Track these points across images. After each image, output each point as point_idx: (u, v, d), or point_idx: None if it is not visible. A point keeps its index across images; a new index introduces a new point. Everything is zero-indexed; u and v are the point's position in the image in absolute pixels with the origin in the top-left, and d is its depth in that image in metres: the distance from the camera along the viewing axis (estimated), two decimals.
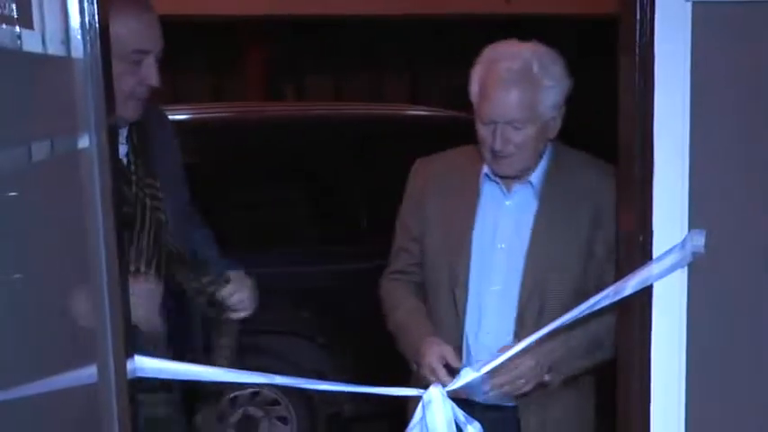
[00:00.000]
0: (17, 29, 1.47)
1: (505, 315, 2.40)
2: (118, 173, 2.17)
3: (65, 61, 1.61)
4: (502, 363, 2.23)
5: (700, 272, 1.89)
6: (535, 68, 2.31)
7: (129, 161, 2.30)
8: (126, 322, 1.74)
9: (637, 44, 1.84)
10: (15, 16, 1.39)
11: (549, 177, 2.43)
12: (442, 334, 2.44)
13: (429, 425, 2.16)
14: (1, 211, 1.37)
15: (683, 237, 1.87)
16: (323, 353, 3.95)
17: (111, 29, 2.07)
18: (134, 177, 2.30)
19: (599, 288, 2.25)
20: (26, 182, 1.47)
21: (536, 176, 2.43)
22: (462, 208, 2.45)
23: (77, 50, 1.61)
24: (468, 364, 2.38)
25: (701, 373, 1.93)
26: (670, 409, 1.93)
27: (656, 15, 1.80)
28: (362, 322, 2.90)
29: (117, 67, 2.11)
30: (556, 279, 2.38)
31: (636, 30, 1.84)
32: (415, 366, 2.43)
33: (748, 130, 1.87)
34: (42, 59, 1.57)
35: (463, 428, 2.28)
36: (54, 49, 1.59)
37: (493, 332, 2.42)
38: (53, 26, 1.58)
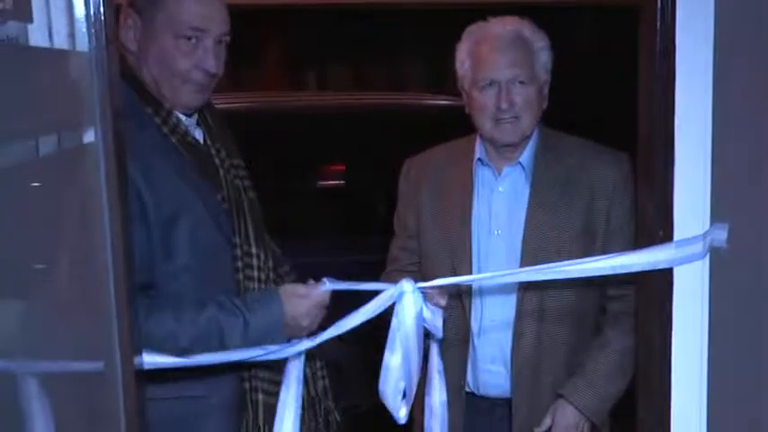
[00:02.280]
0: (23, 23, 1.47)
1: (507, 302, 2.39)
2: (201, 157, 2.15)
3: (70, 54, 1.58)
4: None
5: (721, 265, 1.85)
6: (526, 32, 2.37)
7: (207, 146, 2.21)
8: (132, 314, 1.70)
9: (657, 33, 1.80)
10: (12, 9, 1.36)
11: (537, 159, 2.42)
12: (449, 330, 2.42)
13: (399, 316, 2.11)
14: (9, 204, 1.35)
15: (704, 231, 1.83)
16: (340, 343, 3.94)
17: (167, 3, 2.06)
18: (217, 161, 2.20)
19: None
20: (33, 176, 1.46)
21: (525, 158, 2.42)
22: (457, 199, 2.45)
23: (83, 43, 1.58)
24: (474, 354, 2.43)
25: (723, 367, 1.90)
26: (691, 409, 1.89)
27: (678, 3, 1.76)
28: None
29: (172, 45, 2.08)
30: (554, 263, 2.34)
31: (657, 19, 1.79)
32: None
33: None
34: (48, 53, 1.55)
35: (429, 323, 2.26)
36: (59, 42, 1.57)
37: (497, 320, 2.41)
38: (59, 19, 1.56)
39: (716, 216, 1.83)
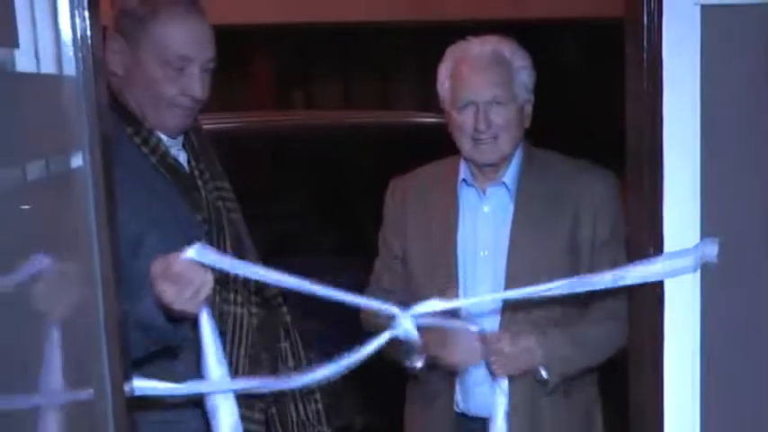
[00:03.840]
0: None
1: (494, 322, 2.36)
2: (181, 178, 2.13)
3: (57, 79, 1.58)
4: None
5: (712, 279, 1.85)
6: (506, 53, 2.35)
7: (191, 167, 2.20)
8: (122, 342, 1.70)
9: (644, 49, 1.81)
10: None
11: (522, 178, 2.41)
12: None
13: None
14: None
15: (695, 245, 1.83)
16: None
17: (153, 30, 2.06)
18: (200, 182, 2.19)
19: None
20: (22, 200, 1.45)
21: (509, 177, 2.41)
22: (443, 220, 2.43)
23: (70, 68, 1.58)
24: (461, 381, 2.40)
25: (715, 378, 1.91)
26: (684, 413, 1.89)
27: (664, 19, 1.77)
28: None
29: (158, 72, 2.07)
30: (539, 281, 2.33)
31: (643, 35, 1.80)
32: None
33: (761, 135, 1.82)
34: (35, 78, 1.55)
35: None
36: (47, 66, 1.56)
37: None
38: (45, 43, 1.56)
39: (706, 231, 1.83)
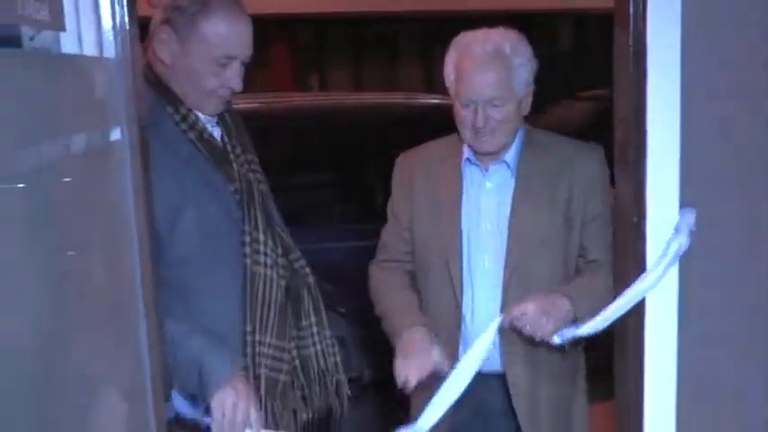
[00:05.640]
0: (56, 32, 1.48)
1: (494, 292, 2.37)
2: (216, 152, 2.16)
3: (98, 60, 1.59)
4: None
5: (690, 248, 1.84)
6: (507, 49, 2.30)
7: (224, 142, 2.22)
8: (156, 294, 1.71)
9: (631, 35, 1.80)
10: (48, 19, 1.37)
11: (522, 157, 2.40)
12: (441, 315, 2.41)
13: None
14: (46, 200, 1.36)
15: (675, 218, 1.82)
16: (343, 320, 3.95)
17: (203, 28, 2.07)
18: (232, 156, 2.21)
19: (580, 256, 2.35)
20: (67, 170, 1.46)
21: (510, 156, 2.40)
22: (448, 194, 2.42)
23: (109, 51, 1.59)
24: (465, 341, 2.37)
25: (693, 347, 1.89)
26: (664, 388, 1.90)
27: (648, 9, 1.76)
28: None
29: (203, 67, 2.10)
30: (538, 251, 2.35)
31: (630, 22, 1.79)
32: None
33: (737, 114, 1.83)
34: (78, 59, 1.57)
35: None
36: (88, 49, 1.58)
37: (485, 309, 2.38)
38: (88, 29, 1.58)
39: (685, 202, 1.83)
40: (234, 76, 2.12)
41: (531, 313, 2.19)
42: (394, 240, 2.55)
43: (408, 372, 2.26)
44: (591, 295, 2.22)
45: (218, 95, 2.14)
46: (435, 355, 2.27)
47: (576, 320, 2.17)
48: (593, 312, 2.02)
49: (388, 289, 2.50)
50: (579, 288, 2.29)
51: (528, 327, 2.19)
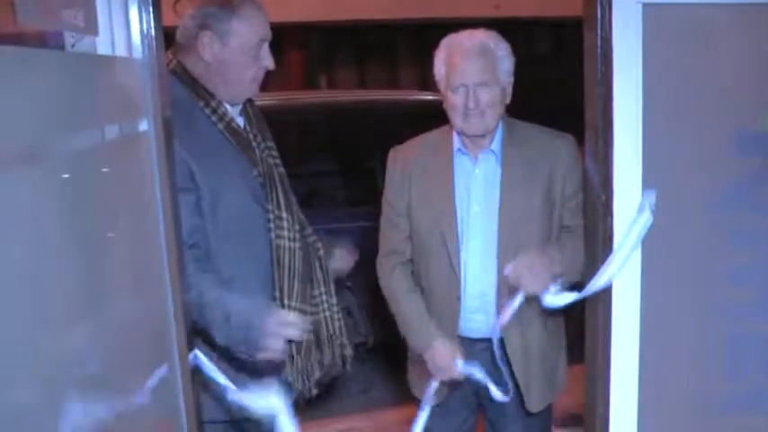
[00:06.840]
0: (92, 37, 1.50)
1: (487, 266, 2.40)
2: (241, 140, 2.21)
3: (128, 60, 1.61)
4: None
5: (652, 228, 1.85)
6: (491, 44, 2.36)
7: (246, 130, 2.27)
8: (181, 263, 1.73)
9: (598, 39, 1.81)
10: (84, 25, 1.39)
11: (506, 145, 2.43)
12: (442, 290, 2.45)
13: None
14: (83, 184, 1.38)
15: (638, 198, 1.83)
16: (348, 292, 3.97)
17: (237, 26, 2.14)
18: (254, 143, 2.26)
19: (561, 228, 2.41)
20: (102, 157, 1.49)
21: (496, 146, 2.43)
22: (442, 183, 2.44)
23: (137, 52, 1.61)
24: (462, 312, 2.44)
25: (655, 319, 1.90)
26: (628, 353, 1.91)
27: (613, 15, 1.77)
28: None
29: (242, 59, 2.17)
30: (524, 228, 2.38)
31: (597, 27, 1.80)
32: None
33: (692, 110, 1.84)
34: (110, 59, 1.59)
35: None
36: (120, 51, 1.61)
37: (479, 281, 2.42)
38: (119, 33, 1.60)
39: (646, 184, 1.84)
40: (266, 56, 2.20)
41: (529, 262, 2.20)
42: (390, 231, 2.55)
43: (442, 378, 2.44)
44: (567, 256, 2.26)
45: (257, 80, 2.22)
46: (460, 365, 2.39)
47: (559, 276, 2.20)
48: (571, 267, 2.15)
49: (400, 294, 2.53)
50: (560, 247, 2.34)
51: (527, 275, 2.19)
